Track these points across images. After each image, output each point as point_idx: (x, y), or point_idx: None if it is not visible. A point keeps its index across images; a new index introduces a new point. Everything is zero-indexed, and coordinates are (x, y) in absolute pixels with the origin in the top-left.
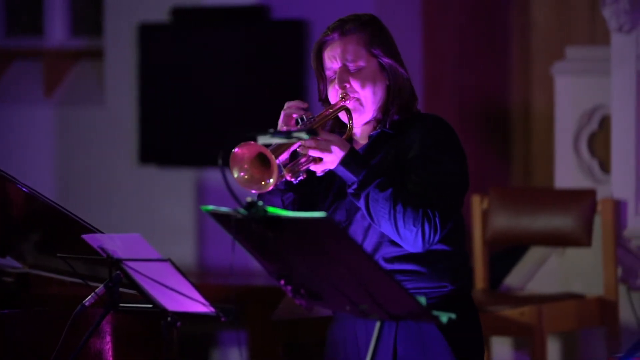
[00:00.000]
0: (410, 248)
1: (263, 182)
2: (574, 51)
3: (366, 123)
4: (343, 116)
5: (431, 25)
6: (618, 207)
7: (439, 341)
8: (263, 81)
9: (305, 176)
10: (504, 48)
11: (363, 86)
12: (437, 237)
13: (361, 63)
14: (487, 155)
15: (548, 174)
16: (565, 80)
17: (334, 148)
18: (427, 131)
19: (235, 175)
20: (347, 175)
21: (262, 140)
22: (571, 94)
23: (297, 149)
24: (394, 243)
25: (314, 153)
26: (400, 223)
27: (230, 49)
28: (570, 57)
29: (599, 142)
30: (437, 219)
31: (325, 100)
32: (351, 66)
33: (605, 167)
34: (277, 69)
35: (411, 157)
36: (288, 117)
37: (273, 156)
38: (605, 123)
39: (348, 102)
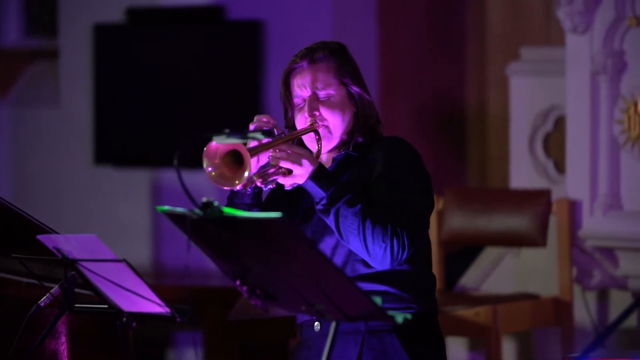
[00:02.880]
0: (378, 265)
1: (237, 181)
2: (529, 52)
3: (331, 150)
4: (310, 144)
5: (387, 25)
6: (573, 208)
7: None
8: (219, 81)
9: (274, 185)
10: (459, 48)
11: (332, 114)
12: (404, 255)
13: (331, 91)
14: (443, 155)
15: (503, 174)
16: (520, 80)
17: (305, 161)
18: (391, 151)
19: (204, 166)
20: (316, 190)
21: (218, 140)
22: (526, 94)
23: (268, 160)
24: (360, 262)
25: (284, 164)
26: (369, 239)
27: (186, 49)
28: (525, 57)
29: (554, 143)
30: (404, 237)
31: (292, 128)
32: (321, 94)
33: (560, 167)
34: (233, 69)
35: (376, 177)
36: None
37: (248, 153)
38: (560, 123)
39: (317, 128)
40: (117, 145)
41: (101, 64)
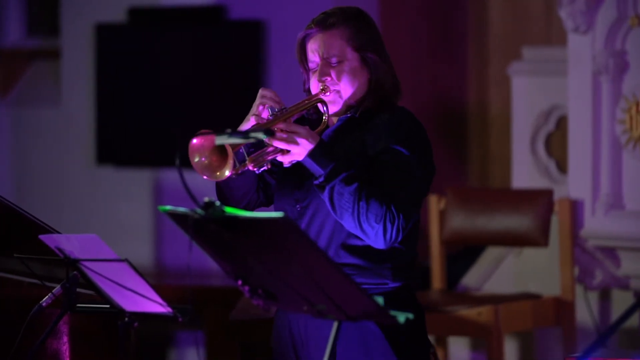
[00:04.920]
0: (372, 243)
1: (218, 173)
2: (531, 51)
3: (338, 113)
4: (322, 107)
5: (387, 25)
6: (575, 207)
7: (380, 340)
8: (220, 81)
9: (269, 166)
10: (460, 48)
11: (343, 80)
12: (400, 236)
13: (342, 57)
14: (444, 155)
15: (505, 174)
16: (521, 80)
17: (301, 140)
18: (399, 126)
19: (196, 160)
20: (314, 167)
21: (219, 140)
22: (528, 94)
23: (264, 140)
24: (350, 235)
25: (279, 145)
26: (363, 218)
27: (187, 49)
28: (526, 57)
29: (555, 142)
30: (400, 219)
31: (308, 91)
32: (332, 60)
33: (562, 167)
34: (234, 69)
35: (380, 150)
36: (261, 105)
37: (230, 147)
38: (562, 123)
39: (327, 94)
40: (118, 145)
41: (102, 63)
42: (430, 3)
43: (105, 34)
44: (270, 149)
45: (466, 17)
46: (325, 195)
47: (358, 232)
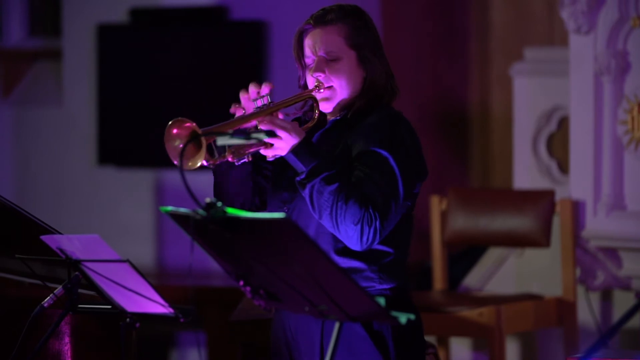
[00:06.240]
0: (348, 244)
1: (190, 163)
2: (532, 52)
3: (333, 112)
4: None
5: (389, 25)
6: (576, 208)
7: (365, 342)
8: (222, 82)
9: (250, 159)
10: (462, 49)
11: (339, 77)
12: (377, 239)
13: (339, 54)
14: (446, 156)
15: (507, 174)
16: (523, 81)
17: (285, 135)
18: (384, 128)
19: (172, 144)
20: (296, 163)
21: (221, 141)
22: (530, 94)
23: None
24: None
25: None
26: (340, 219)
27: (189, 49)
28: (528, 58)
29: (557, 143)
30: (377, 222)
31: (304, 87)
32: (329, 57)
33: (563, 167)
34: (237, 69)
35: (362, 153)
36: (247, 100)
37: (203, 137)
38: (563, 124)
39: (321, 91)
40: (120, 145)
41: (104, 64)
42: (432, 3)
43: (107, 34)
44: (253, 141)
45: (468, 17)
46: (305, 193)
47: (335, 232)
